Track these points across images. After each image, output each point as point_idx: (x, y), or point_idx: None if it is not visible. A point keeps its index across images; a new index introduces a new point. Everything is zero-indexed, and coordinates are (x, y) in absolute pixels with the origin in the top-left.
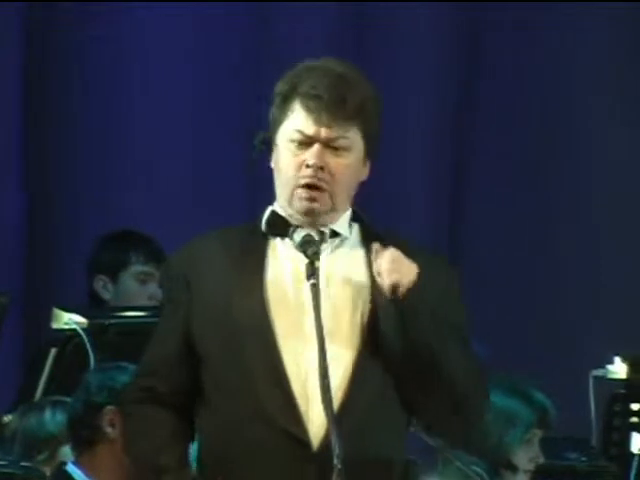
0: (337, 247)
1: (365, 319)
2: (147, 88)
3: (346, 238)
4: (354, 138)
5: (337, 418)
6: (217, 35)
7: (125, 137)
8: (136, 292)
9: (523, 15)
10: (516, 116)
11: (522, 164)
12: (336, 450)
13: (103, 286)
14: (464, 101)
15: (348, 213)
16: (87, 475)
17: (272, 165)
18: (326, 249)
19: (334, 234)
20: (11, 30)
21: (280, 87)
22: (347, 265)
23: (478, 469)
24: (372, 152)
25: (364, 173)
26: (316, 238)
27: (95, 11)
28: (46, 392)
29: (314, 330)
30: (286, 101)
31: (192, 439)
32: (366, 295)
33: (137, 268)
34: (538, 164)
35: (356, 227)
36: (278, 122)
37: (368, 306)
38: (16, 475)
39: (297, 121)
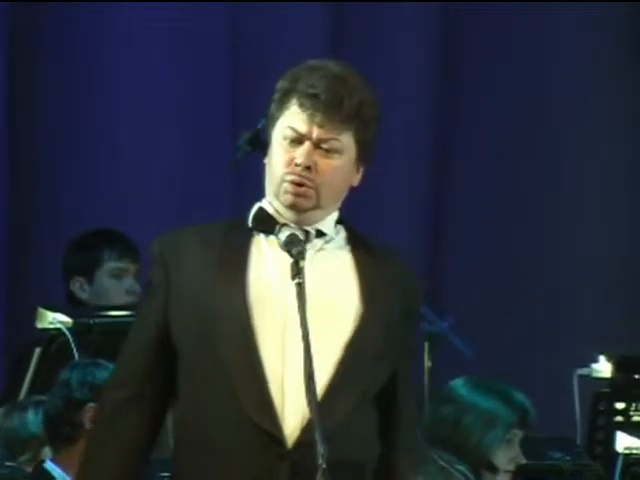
0: (322, 248)
1: (350, 321)
2: (130, 88)
3: (331, 239)
4: (347, 141)
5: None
6: (200, 33)
7: (109, 138)
8: (113, 288)
9: (505, 14)
10: (497, 115)
11: (503, 163)
12: (320, 450)
13: (80, 287)
14: (444, 102)
15: (335, 215)
16: (65, 472)
17: (265, 161)
18: (310, 249)
19: (320, 234)
20: None
21: (280, 84)
22: (331, 266)
23: (461, 467)
24: (366, 158)
25: (356, 178)
26: (301, 238)
27: (79, 10)
28: (30, 391)
29: (295, 330)
30: (284, 98)
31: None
32: (351, 298)
33: (111, 265)
34: (519, 163)
35: (342, 230)
36: (275, 118)
37: (353, 309)
38: (0, 475)
39: (291, 118)
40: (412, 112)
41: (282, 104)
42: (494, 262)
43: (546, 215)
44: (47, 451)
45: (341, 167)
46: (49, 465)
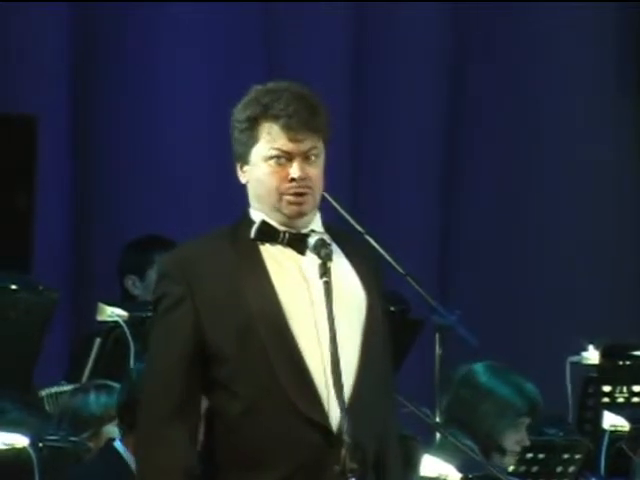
0: None
1: (362, 310)
2: (176, 110)
3: (322, 235)
4: (320, 146)
5: (349, 400)
6: (247, 45)
7: (159, 158)
8: None
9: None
10: (502, 124)
11: (509, 157)
12: (345, 426)
13: (132, 284)
14: (455, 106)
15: (318, 212)
16: (130, 454)
17: (243, 181)
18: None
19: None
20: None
21: (247, 112)
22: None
23: (470, 443)
24: (327, 152)
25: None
26: (328, 242)
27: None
28: (92, 376)
29: (326, 325)
30: (256, 124)
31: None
32: (357, 289)
33: None
34: (523, 169)
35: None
36: (250, 144)
37: (362, 299)
38: (66, 448)
39: (274, 141)
40: (423, 117)
41: (255, 130)
42: (497, 264)
43: (545, 208)
44: (108, 429)
45: (321, 170)
46: (118, 444)
